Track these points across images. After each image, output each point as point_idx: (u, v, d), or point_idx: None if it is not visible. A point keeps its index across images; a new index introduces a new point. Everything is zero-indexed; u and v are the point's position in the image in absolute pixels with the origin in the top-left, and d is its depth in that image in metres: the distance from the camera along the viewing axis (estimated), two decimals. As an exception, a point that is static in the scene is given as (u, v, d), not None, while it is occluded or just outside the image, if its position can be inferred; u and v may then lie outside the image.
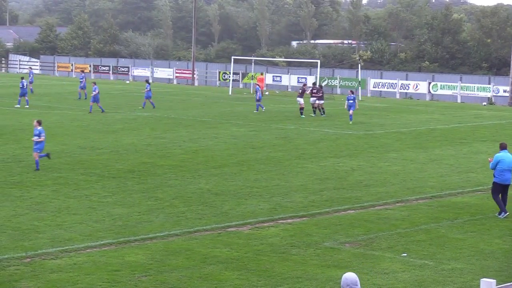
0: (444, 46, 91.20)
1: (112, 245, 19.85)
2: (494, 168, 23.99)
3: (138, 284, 16.91)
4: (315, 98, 53.72)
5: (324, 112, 53.77)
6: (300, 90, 54.91)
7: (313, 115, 53.38)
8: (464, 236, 21.64)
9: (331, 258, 19.06)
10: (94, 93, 52.62)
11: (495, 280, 11.65)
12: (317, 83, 60.73)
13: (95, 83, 54.31)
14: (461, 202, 26.21)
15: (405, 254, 19.55)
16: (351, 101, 49.74)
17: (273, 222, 22.73)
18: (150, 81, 61.62)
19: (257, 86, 58.35)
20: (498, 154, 24.14)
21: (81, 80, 65.34)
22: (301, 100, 53.22)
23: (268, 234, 21.38)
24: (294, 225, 22.52)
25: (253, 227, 22.10)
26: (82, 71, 73.94)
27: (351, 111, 49.57)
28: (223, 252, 19.40)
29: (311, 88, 55.36)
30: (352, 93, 50.80)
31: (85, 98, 61.23)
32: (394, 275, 17.84)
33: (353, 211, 24.57)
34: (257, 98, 56.16)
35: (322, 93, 54.27)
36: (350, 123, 48.70)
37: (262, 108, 56.30)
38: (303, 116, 52.50)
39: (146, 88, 56.84)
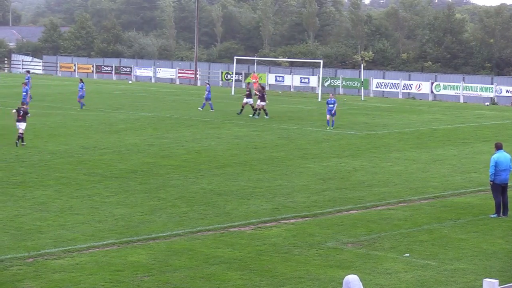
0: (447, 46, 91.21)
1: (115, 245, 19.86)
2: (494, 171, 23.93)
3: (140, 284, 16.92)
4: (258, 100, 51.56)
5: (258, 114, 51.46)
6: (248, 91, 53.83)
7: (256, 116, 51.31)
8: (467, 236, 21.63)
9: (334, 258, 19.06)
10: (24, 94, 50.17)
11: (497, 280, 11.64)
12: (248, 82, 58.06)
13: (26, 84, 51.32)
14: (463, 202, 26.20)
15: (408, 254, 19.54)
16: (331, 105, 45.87)
17: (275, 222, 22.74)
18: (83, 80, 58.88)
19: (208, 85, 57.50)
20: (494, 155, 24.09)
21: (27, 80, 61.69)
22: (249, 101, 52.76)
23: (270, 234, 21.38)
24: (297, 225, 22.52)
25: (255, 227, 22.11)
26: (28, 72, 70.58)
27: (333, 117, 46.05)
28: (225, 252, 19.40)
29: (247, 89, 54.02)
30: (333, 96, 47.40)
31: (31, 99, 56.68)
32: (396, 275, 17.83)
33: (356, 211, 24.57)
34: (207, 96, 55.69)
35: (264, 94, 51.63)
36: (328, 129, 45.35)
37: (211, 107, 55.45)
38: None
39: (81, 88, 55.15)
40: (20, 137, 36.91)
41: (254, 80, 73.25)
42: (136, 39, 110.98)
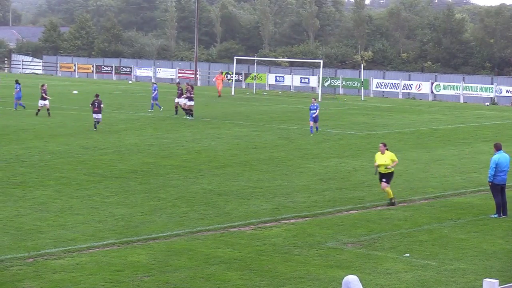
0: (447, 46, 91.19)
1: (115, 245, 19.86)
2: (494, 173, 23.88)
3: (140, 284, 16.91)
4: (186, 100, 50.26)
5: (192, 115, 49.84)
6: (179, 91, 52.24)
7: (190, 117, 49.67)
8: (467, 236, 21.62)
9: (334, 259, 19.06)
10: None
11: (497, 281, 11.63)
12: (183, 82, 53.63)
13: None
14: (463, 203, 26.19)
15: (408, 255, 19.54)
16: (314, 111, 43.11)
17: (275, 222, 22.73)
18: (19, 81, 56.48)
19: (155, 85, 56.25)
20: (495, 156, 24.04)
21: None
22: (181, 101, 51.34)
23: (270, 234, 21.38)
24: (297, 225, 22.52)
25: (255, 227, 22.11)
26: None
27: (316, 123, 43.34)
28: (225, 252, 19.40)
29: (178, 89, 52.40)
30: (316, 101, 44.73)
31: None
32: (396, 275, 17.83)
33: (356, 211, 24.56)
34: (154, 96, 54.85)
35: (192, 94, 50.21)
36: (312, 135, 42.78)
37: (159, 107, 54.63)
38: (187, 117, 49.66)
39: (16, 89, 54.00)
40: (98, 123, 43.02)
41: (216, 80, 72.81)
42: (137, 39, 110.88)
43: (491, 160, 24.10)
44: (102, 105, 43.37)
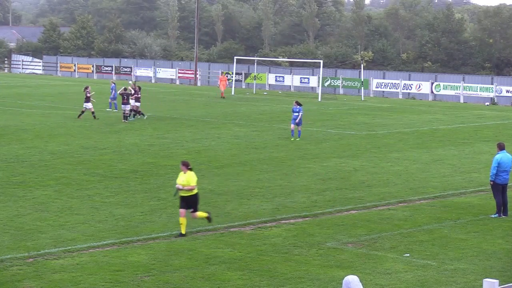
0: (446, 46, 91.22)
1: (115, 245, 19.87)
2: (496, 172, 23.87)
3: (140, 284, 16.92)
4: (133, 101, 48.79)
5: (143, 114, 49.36)
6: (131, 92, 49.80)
7: (132, 119, 48.68)
8: (467, 236, 21.63)
9: (334, 258, 19.06)
10: None
11: (498, 281, 11.64)
12: (133, 84, 51.82)
13: None
14: (463, 202, 26.19)
15: (408, 254, 19.54)
16: (296, 114, 40.68)
17: (275, 223, 22.73)
18: None
19: (113, 84, 55.42)
20: (497, 155, 24.03)
21: None
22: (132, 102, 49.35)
23: (270, 234, 21.38)
24: (297, 225, 22.52)
25: (255, 227, 22.11)
26: None
27: (298, 127, 40.89)
28: (225, 252, 19.40)
29: (134, 91, 49.89)
30: (299, 104, 41.27)
31: None
32: (396, 275, 17.83)
33: (356, 211, 24.56)
34: (112, 96, 54.20)
35: (139, 95, 49.37)
36: (292, 139, 40.55)
37: (115, 107, 53.86)
38: (125, 120, 48.03)
39: None
40: (126, 116, 46.77)
41: (220, 82, 72.34)
42: (138, 39, 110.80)
43: (493, 159, 24.09)
44: (132, 95, 46.37)
